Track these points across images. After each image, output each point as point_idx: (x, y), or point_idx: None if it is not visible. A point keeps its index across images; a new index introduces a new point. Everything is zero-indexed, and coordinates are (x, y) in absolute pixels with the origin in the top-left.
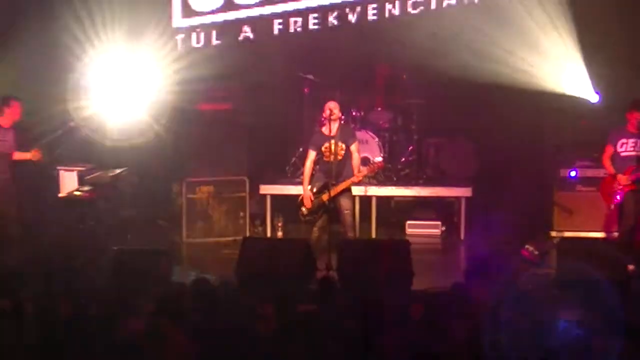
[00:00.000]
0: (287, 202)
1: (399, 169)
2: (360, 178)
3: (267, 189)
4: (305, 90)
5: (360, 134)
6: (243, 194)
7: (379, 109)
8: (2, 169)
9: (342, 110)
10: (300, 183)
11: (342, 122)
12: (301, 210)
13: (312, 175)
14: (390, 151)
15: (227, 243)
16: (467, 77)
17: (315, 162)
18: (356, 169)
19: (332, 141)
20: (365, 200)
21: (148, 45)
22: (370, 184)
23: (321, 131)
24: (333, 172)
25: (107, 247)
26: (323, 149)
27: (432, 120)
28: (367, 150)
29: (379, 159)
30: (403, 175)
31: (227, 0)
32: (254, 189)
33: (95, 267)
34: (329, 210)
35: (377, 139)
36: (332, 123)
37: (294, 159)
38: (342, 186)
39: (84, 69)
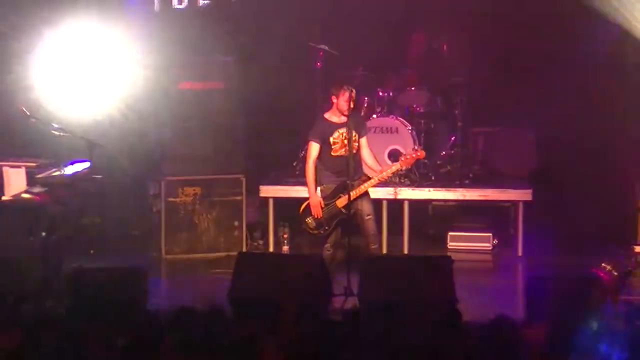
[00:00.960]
0: (294, 208)
1: (438, 166)
2: (389, 175)
3: (269, 191)
4: (318, 64)
5: (388, 121)
6: (238, 197)
7: (413, 89)
8: None
9: (366, 91)
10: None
11: (365, 104)
12: (306, 222)
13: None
14: (427, 143)
15: (217, 260)
16: (528, 50)
17: (317, 159)
18: (376, 165)
19: (345, 130)
20: (395, 205)
21: (116, 11)
22: (402, 185)
23: (325, 118)
24: (350, 168)
25: (64, 264)
26: (331, 140)
27: (481, 104)
28: (397, 141)
29: (418, 147)
30: (443, 174)
31: None
32: (253, 190)
33: (49, 290)
34: (344, 221)
35: (409, 127)
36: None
37: (303, 153)
38: (365, 187)
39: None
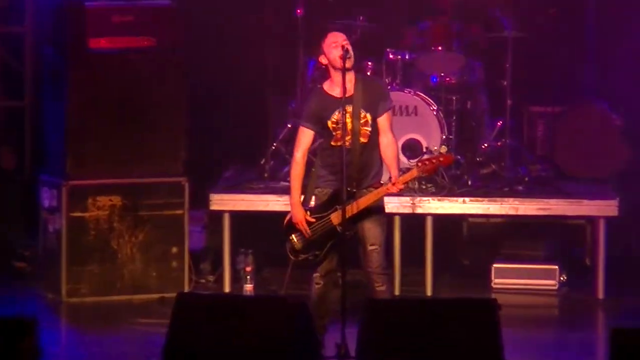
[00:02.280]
0: (262, 227)
1: (477, 164)
2: (404, 184)
3: (224, 202)
4: (298, 11)
5: (402, 97)
6: (179, 211)
7: (440, 48)
8: None
9: (367, 51)
10: (287, 191)
11: (368, 71)
12: (290, 241)
13: (307, 177)
14: (462, 131)
15: (146, 304)
16: None
17: (313, 151)
18: (393, 165)
19: (348, 108)
20: (414, 222)
21: None
22: (423, 193)
23: (324, 91)
24: (350, 169)
25: None
26: (330, 123)
27: (540, 73)
28: (416, 127)
29: (443, 149)
30: (485, 176)
31: None
32: (200, 200)
33: None
34: (341, 243)
35: (434, 107)
36: (346, 71)
37: (275, 146)
38: (368, 198)
39: None
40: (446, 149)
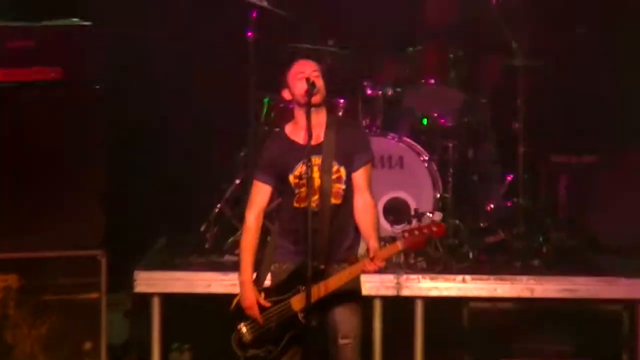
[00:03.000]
0: (202, 314)
1: (480, 231)
2: (383, 260)
3: (153, 281)
4: (249, 34)
5: (384, 145)
6: (94, 295)
7: (432, 81)
8: None
9: (338, 84)
10: (235, 267)
11: (339, 110)
12: (238, 332)
13: (262, 248)
14: (461, 187)
15: None
16: None
17: (270, 215)
18: (371, 234)
19: (316, 159)
20: (399, 307)
21: None
22: (411, 269)
23: (285, 135)
24: (318, 239)
25: None
26: (291, 178)
27: (564, 111)
28: (402, 182)
29: (438, 216)
30: (491, 247)
31: None
32: (122, 280)
33: None
34: (303, 336)
35: (426, 158)
36: (313, 112)
37: (219, 208)
38: (340, 278)
39: None
40: (440, 215)
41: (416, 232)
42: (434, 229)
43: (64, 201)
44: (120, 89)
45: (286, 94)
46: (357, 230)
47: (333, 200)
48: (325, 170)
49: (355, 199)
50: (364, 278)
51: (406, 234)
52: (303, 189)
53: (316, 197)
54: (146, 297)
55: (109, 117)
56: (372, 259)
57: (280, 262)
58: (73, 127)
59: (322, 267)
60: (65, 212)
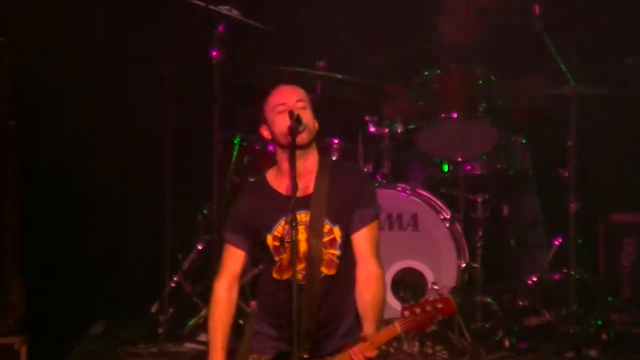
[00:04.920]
0: None
1: (520, 312)
2: (374, 348)
3: None
4: (214, 53)
5: (392, 199)
6: None
7: (455, 116)
8: None
9: (332, 120)
10: (199, 356)
11: (334, 154)
12: None
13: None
14: (494, 254)
15: None
16: None
17: (241, 290)
18: (369, 314)
19: (302, 216)
20: None
21: None
22: (425, 358)
23: (266, 183)
24: (309, 319)
25: None
26: (269, 240)
27: (626, 157)
28: (419, 249)
29: (445, 289)
30: (534, 331)
31: None
32: None
33: None
34: None
35: (447, 216)
36: (299, 155)
37: (175, 281)
38: None
39: None
40: (447, 289)
41: (417, 311)
42: (439, 305)
43: None
44: (39, 121)
45: (264, 132)
46: (356, 309)
47: (324, 271)
48: (314, 231)
49: (358, 269)
50: None
51: (406, 313)
52: (285, 256)
53: (302, 266)
54: None
55: (23, 161)
56: (361, 343)
57: (259, 352)
58: None
59: (306, 356)
60: None
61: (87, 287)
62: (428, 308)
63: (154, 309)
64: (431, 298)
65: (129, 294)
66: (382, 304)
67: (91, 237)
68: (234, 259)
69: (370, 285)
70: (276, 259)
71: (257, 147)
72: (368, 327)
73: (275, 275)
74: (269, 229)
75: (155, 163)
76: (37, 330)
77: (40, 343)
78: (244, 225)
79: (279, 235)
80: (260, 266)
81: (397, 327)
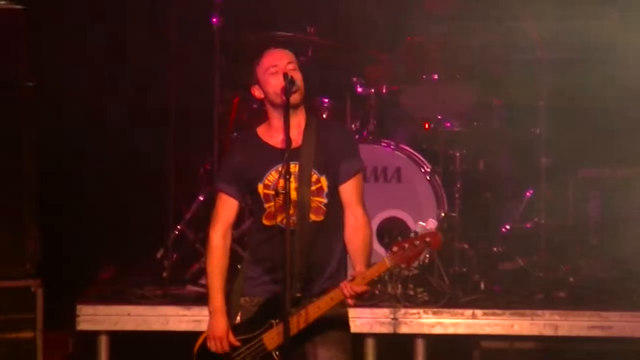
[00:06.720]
0: (159, 356)
1: (494, 257)
2: (366, 285)
3: (99, 318)
4: (214, 20)
5: (377, 153)
6: (27, 333)
7: (436, 77)
8: None
9: (322, 81)
10: (197, 301)
11: (323, 112)
12: None
13: (232, 279)
14: (471, 205)
15: None
16: None
17: (237, 239)
18: (360, 257)
19: (292, 167)
20: (396, 346)
21: None
22: (410, 302)
23: (257, 137)
24: (299, 262)
25: None
26: (260, 188)
27: (594, 116)
28: (402, 199)
29: (432, 224)
30: (507, 276)
31: None
32: (62, 316)
33: None
34: None
35: (428, 169)
36: (292, 111)
37: (179, 229)
38: (319, 307)
39: None
40: (435, 223)
41: (406, 246)
42: (428, 239)
43: None
44: (55, 84)
45: (257, 91)
46: (342, 256)
47: (313, 217)
48: (302, 180)
49: (346, 217)
50: (354, 313)
51: (395, 248)
52: (275, 203)
53: (292, 213)
54: (91, 336)
55: (39, 118)
56: (351, 280)
57: (251, 295)
58: None
59: (299, 294)
60: None
61: (97, 235)
62: (417, 242)
63: (159, 255)
64: (420, 231)
65: (137, 241)
66: (370, 247)
67: (105, 187)
68: (227, 208)
69: (359, 230)
70: (266, 206)
71: (254, 107)
72: (359, 268)
73: (265, 222)
74: (260, 178)
75: (161, 121)
76: (52, 274)
77: (55, 286)
78: (237, 176)
79: (269, 183)
80: (253, 216)
81: (387, 262)
